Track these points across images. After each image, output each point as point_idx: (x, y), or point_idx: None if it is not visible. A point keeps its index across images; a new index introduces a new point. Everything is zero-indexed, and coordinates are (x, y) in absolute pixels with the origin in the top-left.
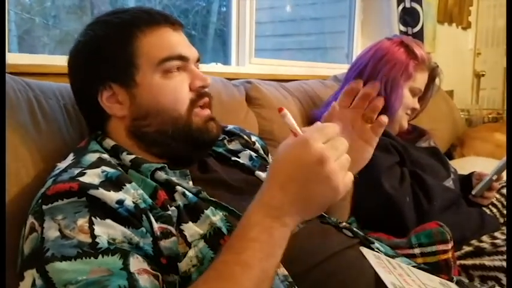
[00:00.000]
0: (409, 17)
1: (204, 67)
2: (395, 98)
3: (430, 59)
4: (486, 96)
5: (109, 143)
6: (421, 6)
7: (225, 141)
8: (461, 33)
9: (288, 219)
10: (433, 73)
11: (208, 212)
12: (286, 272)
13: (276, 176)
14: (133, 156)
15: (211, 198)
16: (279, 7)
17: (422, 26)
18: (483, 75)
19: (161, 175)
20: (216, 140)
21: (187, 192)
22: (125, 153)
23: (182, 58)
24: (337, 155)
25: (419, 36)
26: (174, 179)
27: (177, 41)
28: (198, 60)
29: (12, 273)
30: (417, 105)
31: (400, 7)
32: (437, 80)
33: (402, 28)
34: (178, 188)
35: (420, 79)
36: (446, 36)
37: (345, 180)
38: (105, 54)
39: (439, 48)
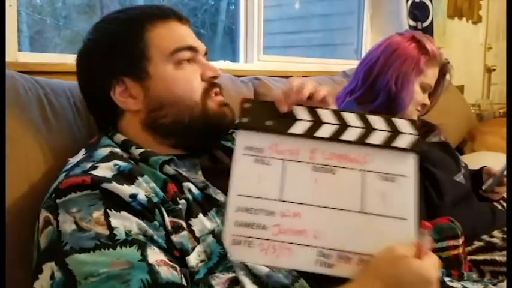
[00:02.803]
0: (418, 12)
1: (212, 64)
2: (406, 94)
3: (441, 55)
4: (497, 90)
5: (119, 137)
6: (430, 0)
7: (234, 135)
8: (472, 28)
9: None
10: (444, 69)
11: (209, 215)
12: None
13: (388, 286)
14: (142, 150)
15: (215, 197)
16: (287, 4)
17: (432, 20)
18: (494, 69)
19: (170, 169)
20: (233, 124)
21: (193, 190)
22: (133, 147)
23: (192, 49)
24: None
25: (429, 30)
26: (183, 171)
27: (185, 33)
28: (206, 54)
29: (23, 267)
30: (427, 101)
31: (410, 1)
32: (448, 76)
33: (411, 23)
34: (185, 184)
35: (431, 75)
36: (457, 30)
37: None
38: (117, 50)
39: (450, 43)
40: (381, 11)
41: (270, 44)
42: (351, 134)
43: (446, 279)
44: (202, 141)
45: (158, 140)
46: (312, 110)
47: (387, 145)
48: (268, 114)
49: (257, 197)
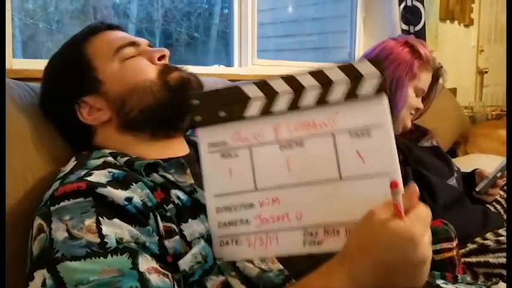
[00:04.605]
0: (410, 15)
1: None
2: (399, 98)
3: (435, 59)
4: (490, 93)
5: (106, 152)
6: (422, 4)
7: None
8: (464, 31)
9: None
10: (437, 73)
11: (198, 219)
12: (281, 267)
13: (373, 255)
14: (126, 158)
15: (203, 202)
16: (280, 8)
17: (425, 24)
18: (486, 72)
19: (157, 177)
20: (199, 90)
21: (181, 196)
22: (119, 157)
23: (133, 44)
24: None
25: (421, 34)
26: (171, 174)
27: (121, 35)
28: (150, 46)
29: (19, 276)
30: (421, 105)
31: (402, 5)
32: (441, 80)
33: (404, 26)
34: (173, 191)
35: (424, 79)
36: (449, 33)
37: None
38: (67, 80)
39: (442, 46)
40: (374, 14)
41: (264, 48)
42: (310, 97)
43: (441, 281)
44: (178, 114)
45: (139, 138)
46: (261, 84)
47: (353, 96)
48: (220, 104)
49: (233, 193)
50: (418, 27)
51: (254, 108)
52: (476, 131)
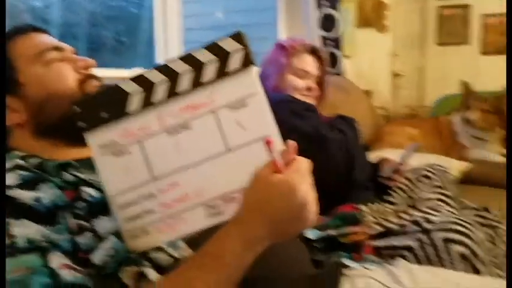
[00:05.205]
0: (328, 23)
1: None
2: (284, 85)
3: (305, 45)
4: (404, 95)
5: (18, 155)
6: (338, 11)
7: None
8: (380, 37)
9: (261, 248)
10: (316, 54)
11: (110, 215)
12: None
13: (259, 210)
14: (37, 160)
15: None
16: (208, 14)
17: (341, 30)
18: (401, 75)
19: (69, 177)
20: None
21: (93, 193)
22: (30, 159)
23: (58, 48)
24: (313, 195)
25: (338, 40)
26: (84, 173)
27: (46, 39)
28: (75, 54)
29: None
30: (311, 84)
31: (320, 13)
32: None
33: (322, 33)
34: (84, 189)
35: (297, 62)
36: (366, 40)
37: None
38: None
39: (359, 51)
40: (296, 22)
41: None
42: (186, 82)
43: (347, 261)
44: None
45: (54, 143)
46: (137, 78)
47: (224, 73)
48: (100, 106)
49: (133, 188)
50: (335, 34)
51: (135, 102)
52: (387, 129)
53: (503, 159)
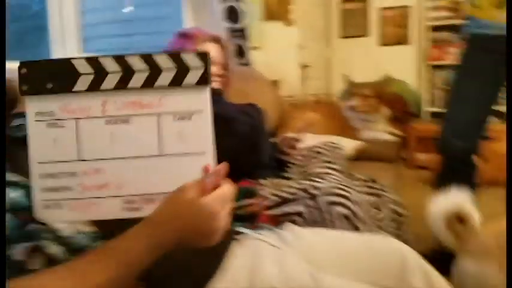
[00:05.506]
0: (233, 15)
1: None
2: None
3: (206, 33)
4: (311, 84)
5: None
6: (243, 3)
7: None
8: (287, 30)
9: (164, 251)
10: (219, 43)
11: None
12: (95, 229)
13: (175, 221)
14: None
15: (11, 179)
16: (113, 8)
17: (246, 23)
18: (308, 66)
19: None
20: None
21: None
22: None
23: None
24: (228, 222)
25: (244, 32)
26: None
27: None
28: None
29: None
30: (215, 71)
31: (223, 6)
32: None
33: (227, 25)
34: None
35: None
36: (273, 32)
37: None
38: None
39: (267, 43)
40: (201, 15)
41: (102, 48)
42: (138, 79)
43: (241, 229)
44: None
45: None
46: (92, 61)
47: (178, 83)
48: (49, 76)
49: (57, 161)
50: (239, 26)
51: (83, 83)
52: (292, 114)
53: (390, 137)
